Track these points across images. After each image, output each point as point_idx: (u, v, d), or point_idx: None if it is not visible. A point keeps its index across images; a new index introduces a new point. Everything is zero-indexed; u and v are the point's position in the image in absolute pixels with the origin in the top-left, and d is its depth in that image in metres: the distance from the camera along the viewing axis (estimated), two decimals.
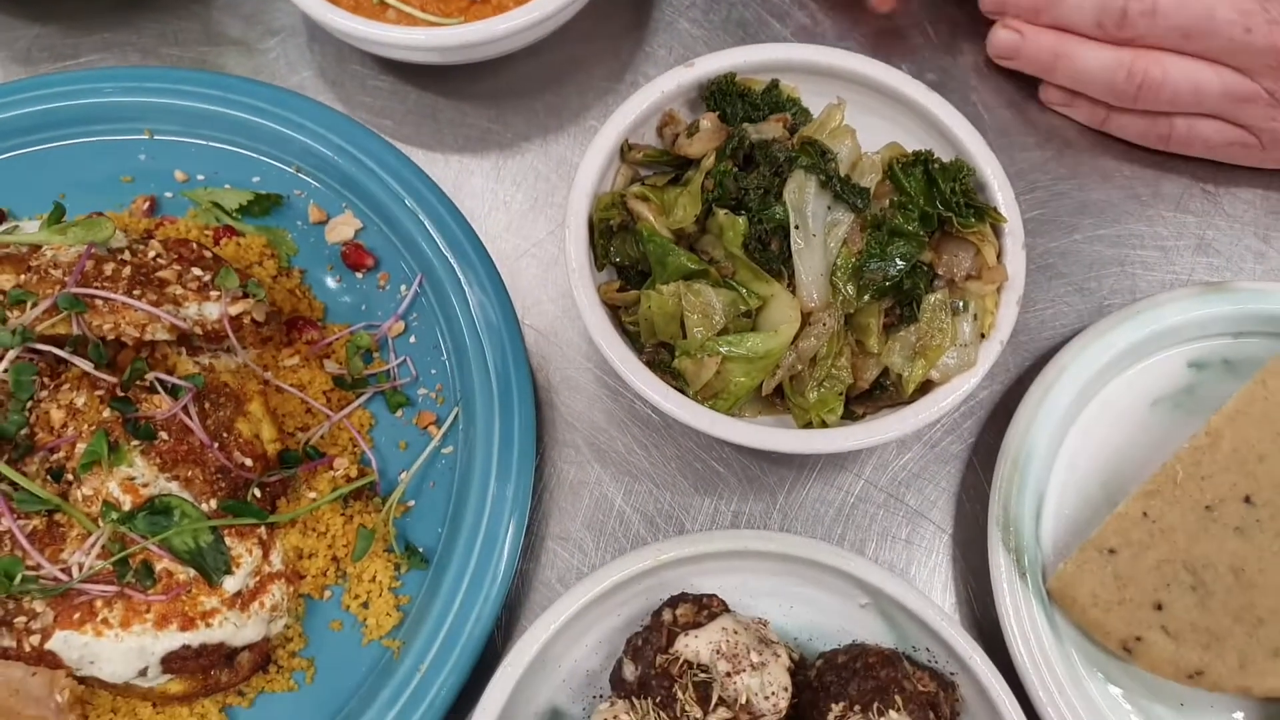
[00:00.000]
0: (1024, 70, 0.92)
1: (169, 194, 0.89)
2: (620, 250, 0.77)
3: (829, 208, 0.73)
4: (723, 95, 0.80)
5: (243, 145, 0.90)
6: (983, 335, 0.74)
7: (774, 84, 0.81)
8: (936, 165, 0.75)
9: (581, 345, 0.88)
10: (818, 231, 0.72)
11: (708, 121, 0.77)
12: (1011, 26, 0.89)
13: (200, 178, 0.90)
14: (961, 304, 0.74)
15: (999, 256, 0.75)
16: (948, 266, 0.74)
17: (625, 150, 0.80)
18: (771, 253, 0.72)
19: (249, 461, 0.73)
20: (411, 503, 0.79)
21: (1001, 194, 0.77)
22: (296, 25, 0.99)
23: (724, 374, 0.72)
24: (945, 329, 0.73)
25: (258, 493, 0.74)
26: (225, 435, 0.73)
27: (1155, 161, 0.94)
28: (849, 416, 0.75)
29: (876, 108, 0.83)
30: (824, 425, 0.72)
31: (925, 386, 0.74)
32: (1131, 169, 0.93)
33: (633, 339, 0.76)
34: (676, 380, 0.73)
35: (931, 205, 0.73)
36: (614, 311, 0.77)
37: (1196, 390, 0.83)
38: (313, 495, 0.77)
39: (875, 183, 0.75)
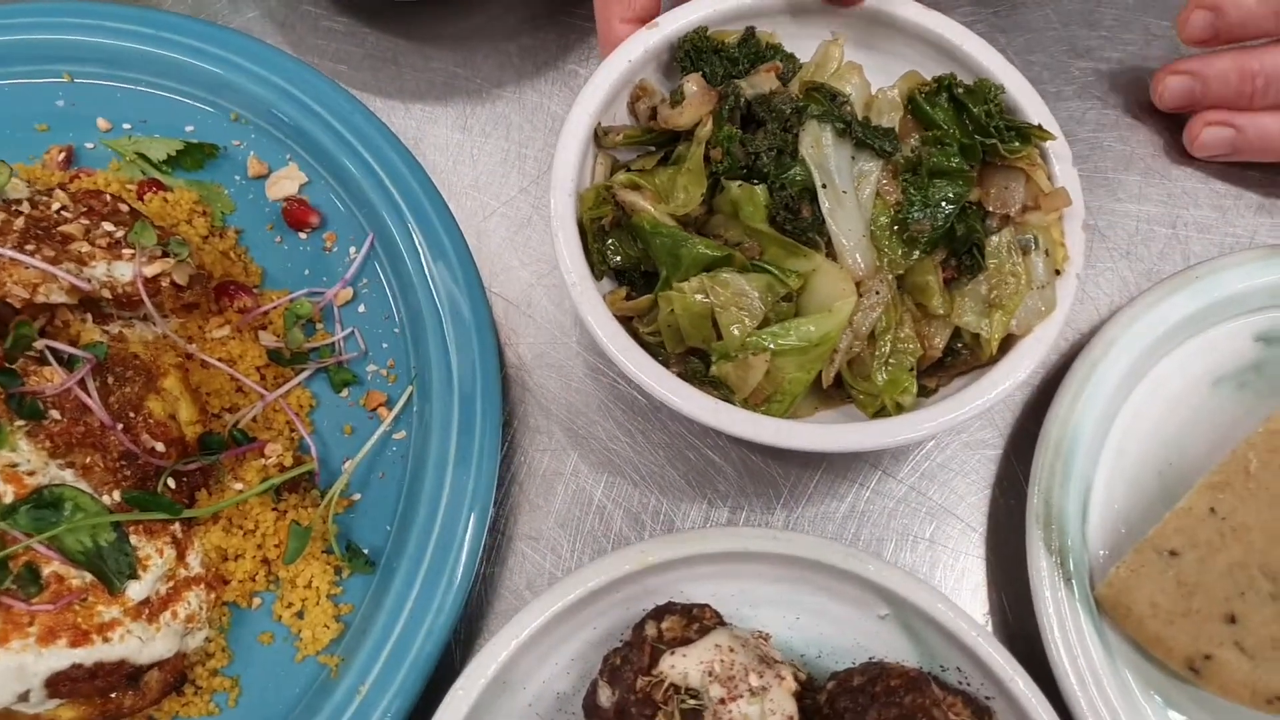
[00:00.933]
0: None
1: (89, 144, 0.78)
2: (618, 251, 0.66)
3: (853, 158, 0.63)
4: (697, 53, 0.68)
5: (175, 90, 0.79)
6: (1057, 272, 0.64)
7: (750, 32, 0.70)
8: (961, 89, 0.65)
9: (558, 317, 0.77)
10: (847, 187, 0.62)
11: (692, 84, 0.66)
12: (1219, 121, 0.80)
13: (126, 126, 0.79)
14: (1031, 240, 0.63)
15: (1050, 180, 0.66)
16: (999, 201, 0.64)
17: (600, 135, 0.68)
18: (803, 220, 0.61)
19: (161, 446, 0.62)
20: (357, 496, 0.69)
21: (1035, 110, 0.67)
22: None
23: (775, 372, 0.61)
24: (1019, 272, 0.63)
25: (171, 483, 0.63)
26: (132, 415, 0.62)
27: None
28: (921, 393, 0.64)
29: (871, 40, 0.73)
30: (899, 409, 0.62)
31: (1003, 343, 0.63)
32: (1181, 118, 0.82)
33: (654, 351, 0.64)
34: (718, 390, 0.62)
35: (968, 136, 0.64)
36: (626, 324, 0.64)
37: (1266, 368, 0.73)
38: (239, 487, 0.66)
39: (898, 121, 0.65)
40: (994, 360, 0.63)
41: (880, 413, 0.63)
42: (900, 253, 0.62)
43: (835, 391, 0.65)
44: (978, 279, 0.63)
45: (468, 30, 0.86)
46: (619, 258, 0.66)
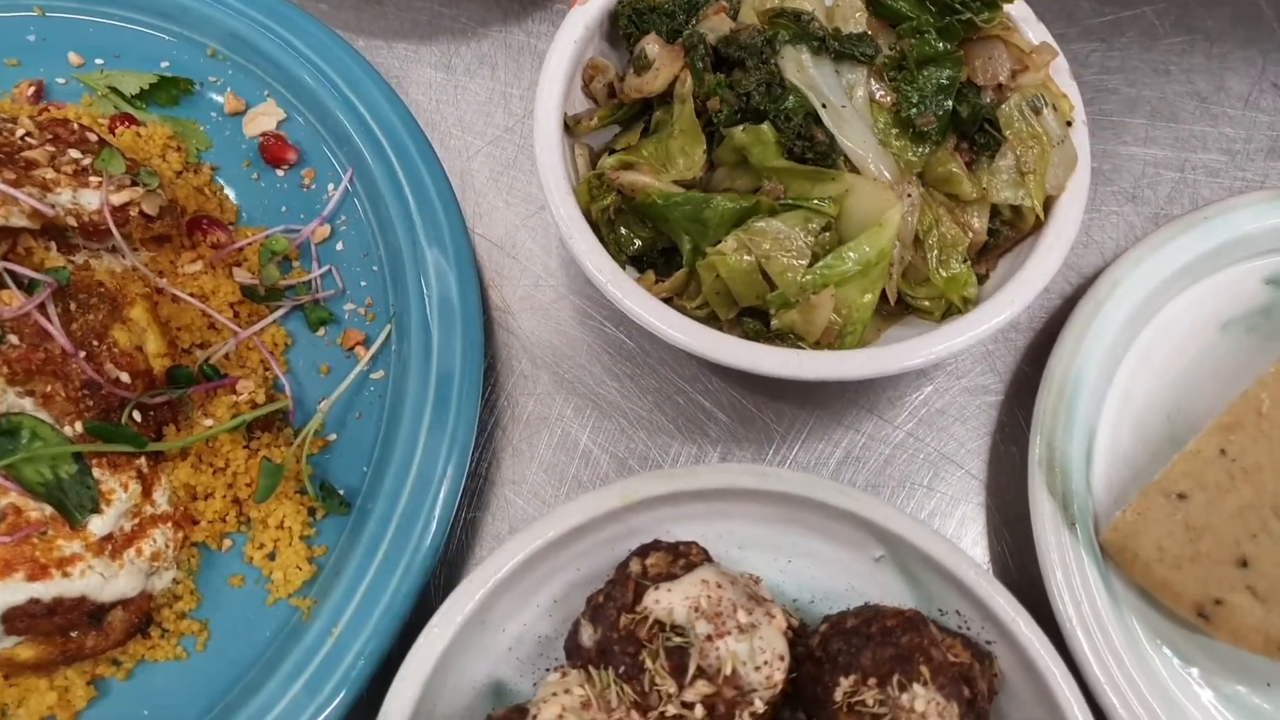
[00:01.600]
0: None
1: (60, 80, 0.76)
2: (630, 239, 0.63)
3: (836, 71, 0.61)
4: (638, 15, 0.66)
5: (149, 25, 0.77)
6: (1068, 123, 0.63)
7: None
8: None
9: (543, 259, 0.74)
10: (843, 101, 0.60)
11: (654, 46, 0.63)
12: None
13: (99, 61, 0.76)
14: (1040, 98, 0.62)
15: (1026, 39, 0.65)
16: (986, 73, 0.63)
17: (572, 125, 0.65)
18: (821, 143, 0.59)
19: (126, 377, 0.60)
20: (332, 436, 0.66)
21: None
22: None
23: (841, 303, 0.59)
24: (1038, 133, 0.62)
25: (137, 416, 0.60)
26: (96, 344, 0.59)
27: (1217, 53, 0.80)
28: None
29: None
30: (965, 304, 0.61)
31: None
32: (1189, 61, 0.80)
33: (705, 325, 0.61)
34: (784, 341, 0.60)
35: (938, 17, 0.62)
36: (667, 304, 0.61)
37: (1275, 311, 0.70)
38: (209, 423, 0.63)
39: (864, 23, 0.63)
40: (1039, 226, 0.62)
41: (949, 312, 0.62)
42: (914, 151, 0.61)
43: (894, 308, 0.63)
44: (1001, 152, 0.62)
45: None
46: (636, 243, 0.63)
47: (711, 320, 0.63)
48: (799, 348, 0.60)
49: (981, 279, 0.63)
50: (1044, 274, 0.60)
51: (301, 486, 0.63)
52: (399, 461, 0.63)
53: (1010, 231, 0.62)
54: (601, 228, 0.63)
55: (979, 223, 0.61)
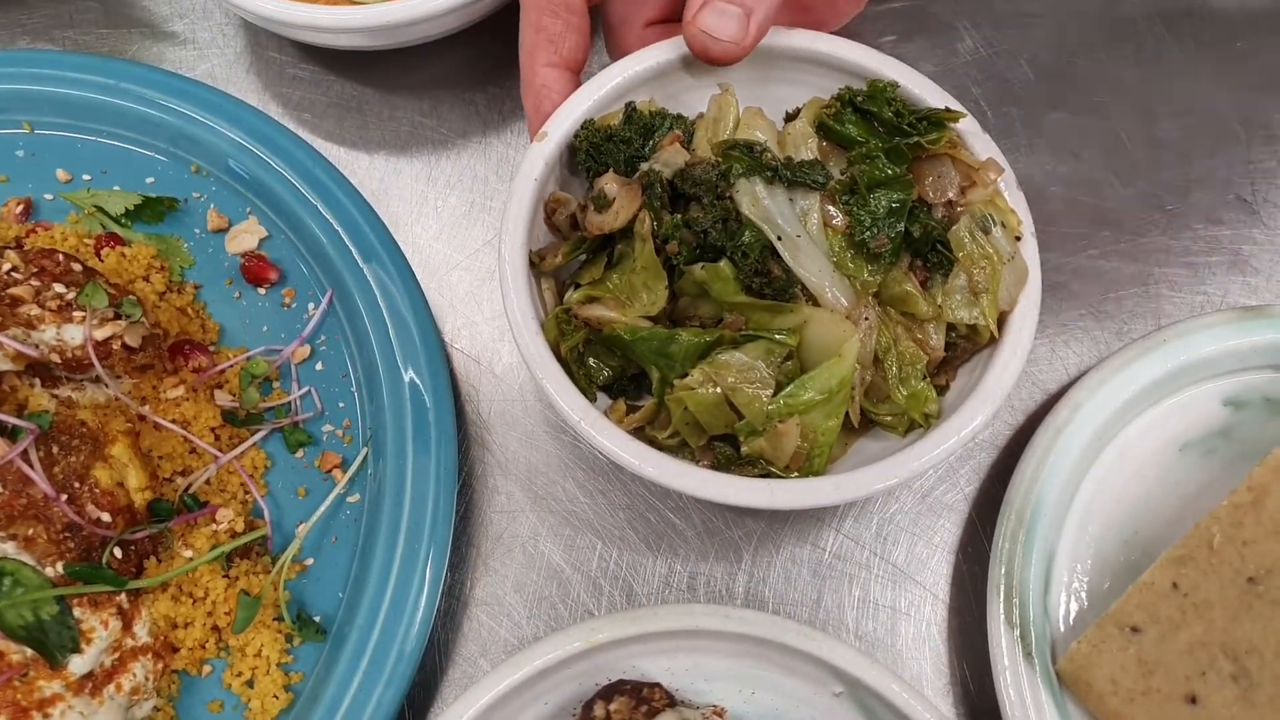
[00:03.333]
0: None
1: (49, 196, 0.78)
2: (601, 368, 0.64)
3: (790, 200, 0.62)
4: (596, 149, 0.67)
5: (136, 142, 0.79)
6: (1017, 238, 0.65)
7: (630, 108, 0.68)
8: (862, 98, 0.65)
9: (520, 374, 0.76)
10: (798, 231, 0.62)
11: (612, 184, 0.64)
12: None
13: (86, 178, 0.78)
14: (987, 218, 0.64)
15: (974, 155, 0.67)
16: (937, 191, 0.64)
17: (536, 262, 0.66)
18: (777, 279, 0.61)
19: (106, 516, 0.61)
20: (309, 561, 0.68)
21: (933, 95, 0.68)
22: (208, 6, 0.88)
23: (807, 429, 0.60)
24: (989, 252, 0.63)
25: (118, 552, 0.62)
26: (78, 485, 0.61)
27: (1182, 165, 0.82)
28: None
29: (752, 75, 0.71)
30: (927, 419, 0.62)
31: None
32: (1155, 174, 0.81)
33: (675, 454, 0.63)
34: (755, 467, 0.61)
35: (887, 140, 0.64)
36: (638, 433, 0.63)
37: (1234, 433, 0.72)
38: (189, 554, 0.65)
39: (815, 149, 0.65)
40: (994, 340, 0.64)
41: (911, 427, 0.64)
42: (868, 272, 0.62)
43: (860, 421, 0.64)
44: (954, 272, 0.63)
45: (433, 78, 0.85)
46: (605, 373, 0.64)
47: (683, 448, 0.64)
48: (770, 472, 0.61)
49: (942, 390, 0.65)
50: (1001, 389, 0.62)
51: (279, 614, 0.65)
52: (374, 588, 0.65)
53: (967, 344, 0.64)
54: (571, 363, 0.65)
55: (936, 339, 0.63)
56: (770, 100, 0.68)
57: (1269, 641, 0.61)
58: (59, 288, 0.66)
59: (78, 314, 0.65)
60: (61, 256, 0.68)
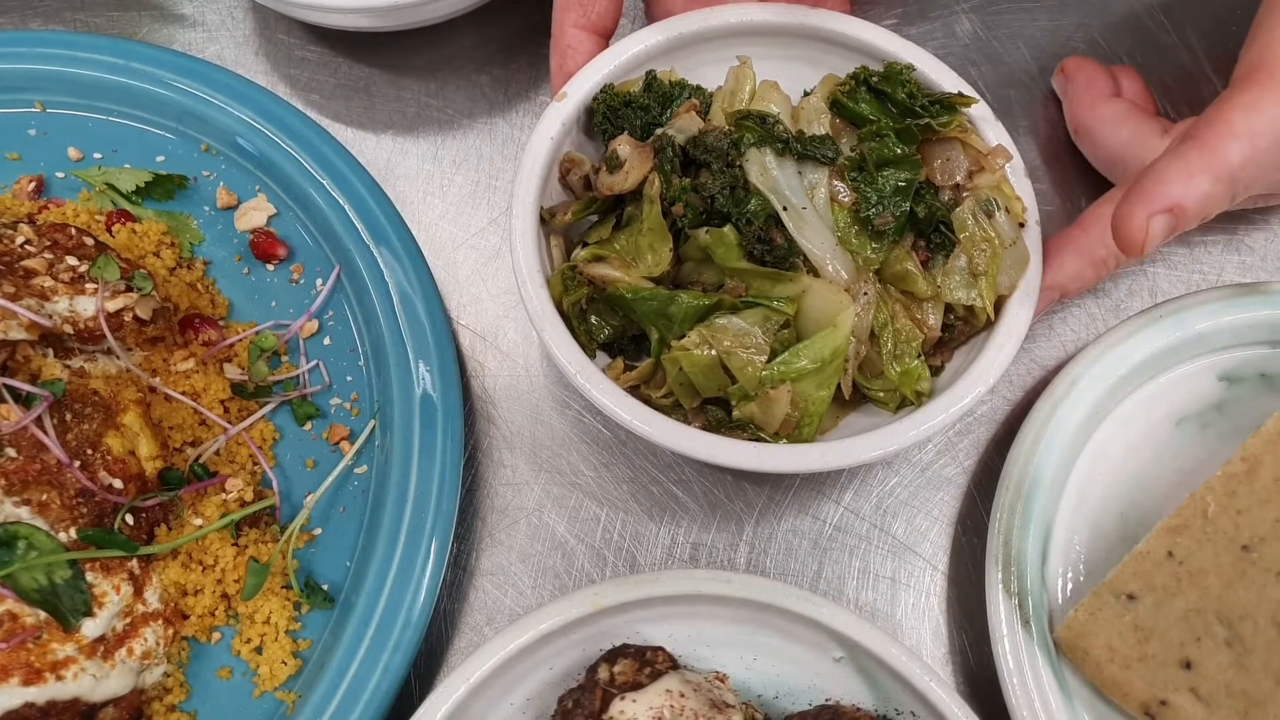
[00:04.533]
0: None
1: (60, 174, 0.79)
2: (602, 326, 0.66)
3: (799, 173, 0.64)
4: (612, 112, 0.68)
5: (146, 121, 0.80)
6: (1020, 225, 0.66)
7: (650, 76, 0.70)
8: (876, 78, 0.67)
9: (525, 350, 0.77)
10: (804, 203, 0.63)
11: (625, 146, 0.65)
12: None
13: (97, 156, 0.79)
14: (991, 201, 0.65)
15: (984, 141, 0.68)
16: (944, 174, 0.66)
17: (548, 219, 0.68)
18: (779, 247, 0.62)
19: (118, 483, 0.62)
20: (318, 531, 0.69)
21: (948, 80, 0.69)
22: None
23: (797, 398, 0.62)
24: (990, 236, 0.64)
25: (130, 520, 0.63)
26: (90, 452, 0.62)
27: None
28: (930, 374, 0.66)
29: (771, 52, 0.73)
30: (919, 397, 0.64)
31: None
32: None
33: (668, 412, 0.64)
34: (745, 431, 0.63)
35: (898, 121, 0.65)
36: (634, 391, 0.64)
37: (1228, 407, 0.73)
38: (199, 522, 0.66)
39: (828, 124, 0.66)
40: (991, 323, 0.65)
41: (902, 405, 0.65)
42: (871, 249, 0.63)
43: (852, 395, 0.66)
44: (955, 253, 0.64)
45: (440, 60, 0.86)
46: (606, 331, 0.66)
47: (676, 408, 0.66)
48: (759, 437, 0.63)
49: (937, 371, 0.66)
50: (994, 371, 0.63)
51: (287, 582, 0.66)
52: (381, 557, 0.66)
53: (964, 326, 0.65)
54: (573, 319, 0.66)
55: (934, 319, 0.64)
56: (788, 76, 0.69)
57: (1262, 608, 0.62)
58: (72, 260, 0.67)
59: (90, 286, 0.66)
60: (74, 231, 0.69)
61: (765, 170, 0.62)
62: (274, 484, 0.69)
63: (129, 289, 0.68)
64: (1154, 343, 0.72)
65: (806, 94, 0.69)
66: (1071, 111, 0.74)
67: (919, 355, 0.63)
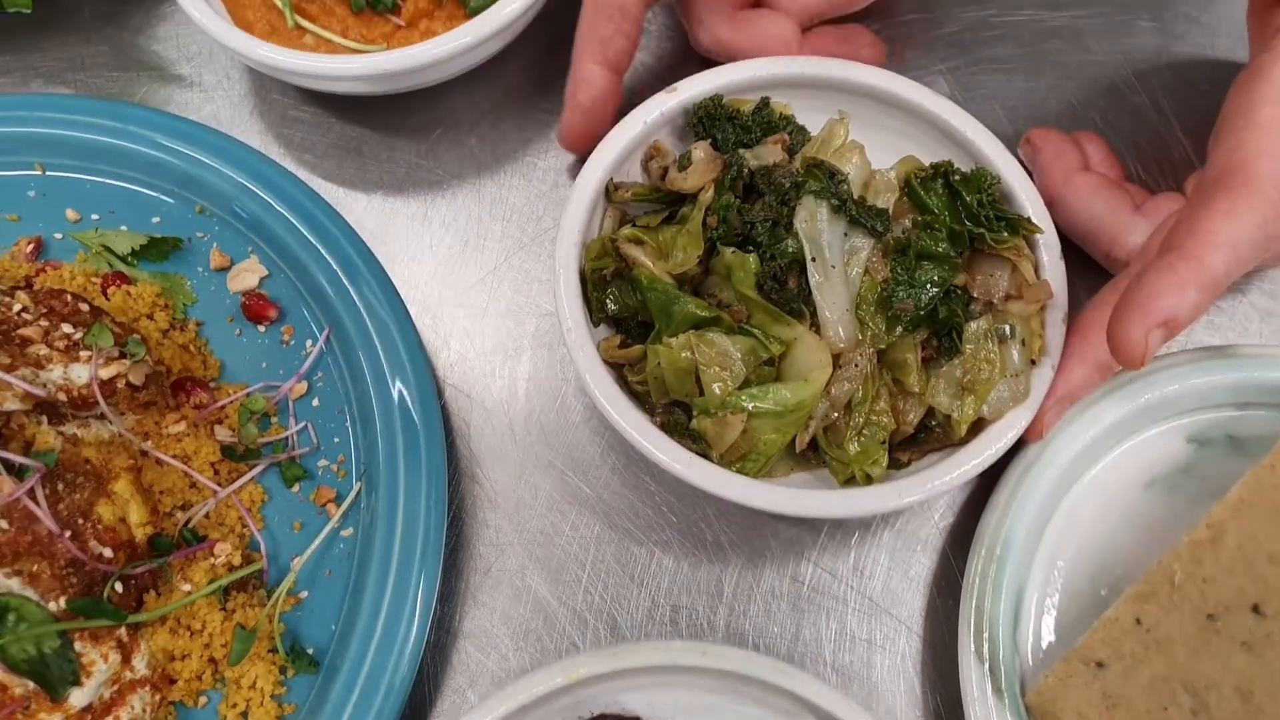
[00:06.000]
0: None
1: (58, 235, 0.81)
2: (617, 300, 0.69)
3: (845, 234, 0.66)
4: (711, 120, 0.73)
5: (142, 183, 0.82)
6: (1032, 361, 0.68)
7: (764, 103, 0.74)
8: (958, 177, 0.69)
9: (510, 408, 0.78)
10: (836, 262, 0.65)
11: (700, 151, 0.70)
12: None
13: (95, 217, 0.81)
14: (1008, 329, 0.67)
15: (1036, 271, 0.69)
16: (984, 288, 0.67)
17: (611, 190, 0.72)
18: (789, 291, 0.65)
19: (108, 552, 0.64)
20: (304, 594, 0.70)
21: (1030, 202, 0.71)
22: (214, 49, 0.91)
23: (751, 432, 0.64)
24: (994, 359, 0.66)
25: (119, 587, 0.64)
26: (81, 521, 0.63)
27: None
28: (893, 465, 0.68)
29: (880, 119, 0.77)
30: (868, 480, 0.66)
31: (975, 425, 0.67)
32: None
33: (641, 400, 0.69)
34: (697, 443, 0.66)
35: (959, 222, 0.67)
36: (617, 370, 0.69)
37: (1196, 469, 0.74)
38: (188, 588, 0.67)
39: (892, 202, 0.68)
40: (964, 441, 0.66)
41: (850, 481, 0.67)
42: (883, 328, 0.65)
43: (812, 455, 0.68)
44: (953, 361, 0.66)
45: (431, 121, 0.88)
46: (616, 306, 0.69)
47: (647, 397, 0.69)
48: (705, 454, 0.65)
49: (903, 465, 0.67)
50: (939, 485, 0.64)
51: (273, 645, 0.67)
52: (365, 621, 0.67)
53: (940, 434, 0.66)
54: (590, 283, 0.70)
55: (913, 415, 0.66)
56: (877, 144, 0.72)
57: (1227, 678, 0.63)
58: (67, 328, 0.69)
59: (84, 353, 0.68)
60: (70, 297, 0.71)
61: (813, 219, 0.65)
62: (262, 547, 0.71)
63: (122, 355, 0.69)
64: (1124, 405, 0.73)
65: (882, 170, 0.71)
66: (1043, 185, 0.75)
67: (883, 442, 0.65)
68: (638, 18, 0.74)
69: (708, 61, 0.78)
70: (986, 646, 0.67)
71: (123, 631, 0.64)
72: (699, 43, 0.81)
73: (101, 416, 0.69)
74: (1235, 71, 0.70)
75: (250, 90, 0.90)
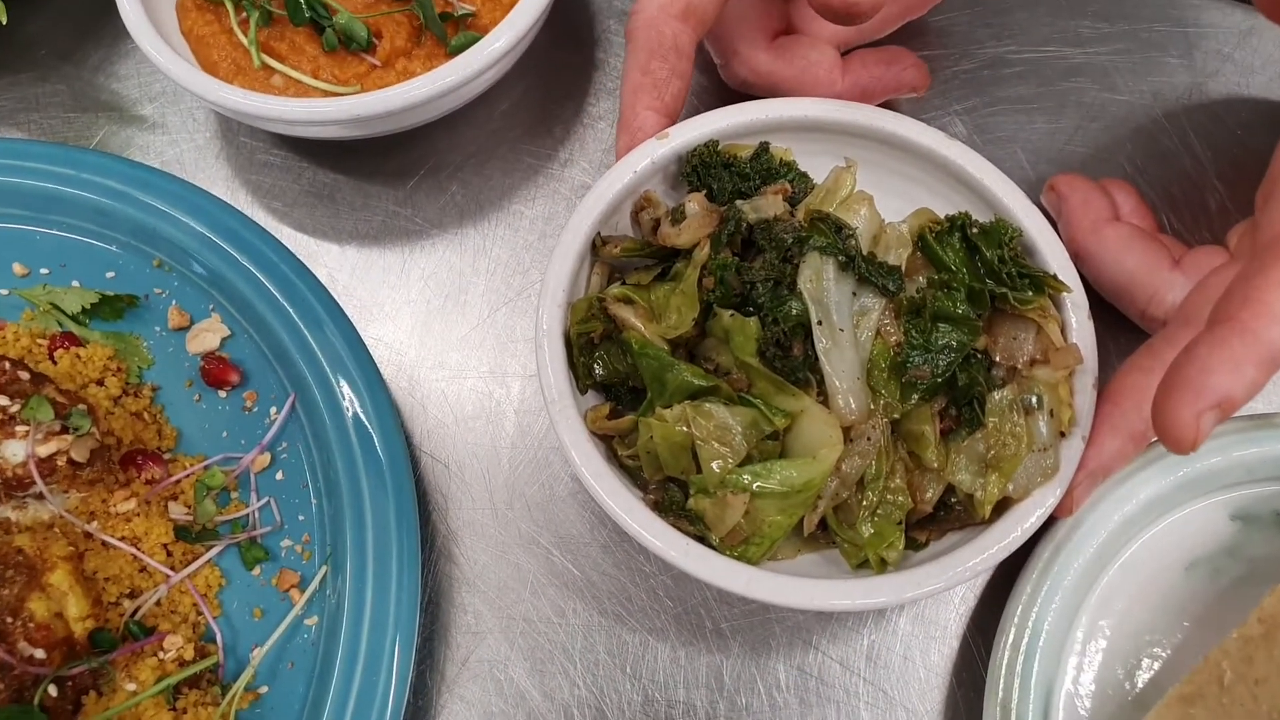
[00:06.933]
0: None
1: (3, 291, 0.75)
2: (606, 365, 0.63)
3: (854, 294, 0.60)
4: (706, 168, 0.67)
5: (95, 234, 0.76)
6: (1061, 433, 0.61)
7: (763, 147, 0.68)
8: (976, 230, 0.62)
9: (491, 480, 0.72)
10: (845, 325, 0.59)
11: (694, 204, 0.64)
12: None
13: (44, 271, 0.75)
14: (1035, 399, 0.60)
15: (1064, 333, 0.63)
16: (1006, 352, 0.61)
17: (598, 245, 0.66)
18: (794, 358, 0.59)
19: (40, 653, 0.58)
20: (264, 689, 0.64)
21: (1055, 257, 0.65)
22: (178, 90, 0.86)
23: (754, 513, 0.58)
24: (1019, 433, 0.59)
25: (54, 691, 0.58)
26: (10, 620, 0.57)
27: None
28: (910, 546, 0.61)
29: (890, 165, 0.71)
30: (884, 564, 0.59)
31: (1000, 502, 0.60)
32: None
33: (633, 475, 0.63)
34: (694, 524, 0.59)
35: (978, 280, 0.61)
36: (607, 443, 0.63)
37: (1241, 550, 0.68)
38: (133, 687, 0.61)
39: (905, 258, 0.62)
40: (987, 521, 0.60)
41: (863, 565, 0.61)
42: (897, 397, 0.59)
43: (821, 535, 0.62)
44: (975, 435, 0.60)
45: (408, 166, 0.82)
46: (604, 371, 0.63)
47: (636, 475, 0.62)
48: (704, 537, 0.59)
49: (921, 545, 0.61)
50: (951, 577, 0.58)
51: None
52: (331, 718, 0.61)
53: (962, 513, 0.60)
54: (576, 347, 0.64)
55: (931, 493, 0.60)
56: (888, 193, 0.67)
57: None
58: (2, 400, 0.63)
59: (21, 429, 0.62)
60: (8, 365, 0.65)
61: (819, 278, 0.59)
62: (218, 637, 0.64)
63: (64, 429, 0.63)
64: (1162, 479, 0.67)
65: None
66: (1070, 235, 0.70)
67: (900, 522, 0.59)
68: (691, 56, 0.68)
69: (732, 95, 0.73)
70: None
71: None
72: (734, 75, 0.75)
73: (40, 497, 0.63)
74: (1272, 111, 0.64)
75: (217, 133, 0.84)
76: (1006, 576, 0.69)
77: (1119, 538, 0.67)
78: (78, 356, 0.71)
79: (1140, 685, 0.64)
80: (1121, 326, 0.72)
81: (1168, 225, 0.78)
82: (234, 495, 0.69)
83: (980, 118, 0.83)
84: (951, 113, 0.83)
